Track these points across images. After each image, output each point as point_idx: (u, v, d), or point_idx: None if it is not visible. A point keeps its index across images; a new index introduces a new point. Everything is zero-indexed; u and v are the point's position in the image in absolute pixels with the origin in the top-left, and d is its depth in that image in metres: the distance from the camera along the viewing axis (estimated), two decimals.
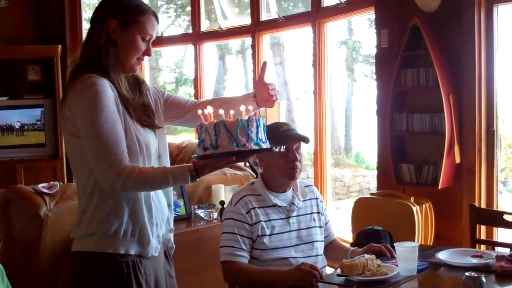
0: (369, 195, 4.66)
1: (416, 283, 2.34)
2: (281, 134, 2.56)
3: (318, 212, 2.74)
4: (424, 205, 4.25)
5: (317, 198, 2.77)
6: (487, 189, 4.25)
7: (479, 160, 4.22)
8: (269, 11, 6.64)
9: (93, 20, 2.14)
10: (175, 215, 3.53)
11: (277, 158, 2.55)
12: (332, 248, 2.81)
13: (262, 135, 2.00)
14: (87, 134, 1.99)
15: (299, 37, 16.75)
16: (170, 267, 2.36)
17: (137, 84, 2.25)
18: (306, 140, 2.65)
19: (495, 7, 4.17)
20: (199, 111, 2.02)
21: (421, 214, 4.19)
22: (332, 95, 8.11)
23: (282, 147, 2.07)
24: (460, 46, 4.23)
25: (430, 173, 4.37)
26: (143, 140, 2.11)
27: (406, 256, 2.39)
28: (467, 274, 1.93)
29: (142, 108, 2.21)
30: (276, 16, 6.22)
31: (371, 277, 2.30)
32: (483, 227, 3.96)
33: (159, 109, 2.31)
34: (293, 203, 2.65)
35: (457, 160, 4.23)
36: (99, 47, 2.07)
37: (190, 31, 7.29)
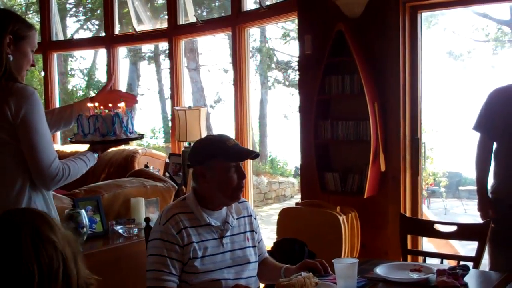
0: (294, 205, 4.52)
1: None
2: (231, 149, 2.32)
3: (252, 231, 2.51)
4: (350, 215, 4.17)
5: (251, 215, 2.53)
6: (412, 197, 4.24)
7: (403, 168, 4.20)
8: (186, 15, 6.43)
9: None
10: (91, 232, 3.25)
11: (223, 175, 2.31)
12: (264, 267, 2.60)
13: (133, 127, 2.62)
14: (32, 137, 2.24)
15: (215, 43, 16.64)
16: None
17: None
18: (257, 156, 2.47)
19: (419, 14, 4.17)
20: (90, 104, 2.61)
21: (347, 224, 4.11)
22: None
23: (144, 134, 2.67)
24: (385, 53, 4.19)
25: (355, 182, 4.30)
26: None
27: (345, 273, 2.25)
28: None
29: None
30: (194, 20, 6.02)
31: None
32: (408, 237, 3.93)
33: None
34: (227, 222, 2.40)
35: (382, 168, 4.19)
36: (2, 60, 2.27)
37: (100, 34, 6.94)
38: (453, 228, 3.11)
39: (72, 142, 2.70)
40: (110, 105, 2.60)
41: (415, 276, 2.38)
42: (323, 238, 3.92)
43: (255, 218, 2.56)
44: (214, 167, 2.30)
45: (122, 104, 2.62)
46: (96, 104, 2.59)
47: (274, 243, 3.40)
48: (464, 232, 3.10)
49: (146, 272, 2.27)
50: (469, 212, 10.28)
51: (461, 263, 2.61)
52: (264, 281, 2.61)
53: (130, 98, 2.85)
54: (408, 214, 4.12)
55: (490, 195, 3.45)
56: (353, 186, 4.31)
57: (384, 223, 4.20)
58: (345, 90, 4.28)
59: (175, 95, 6.25)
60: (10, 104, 2.21)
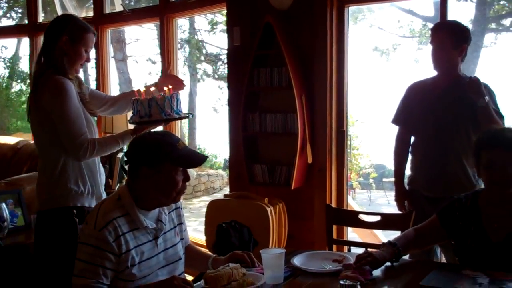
0: (222, 197, 4.52)
1: None
2: (182, 152, 2.25)
3: (180, 223, 2.47)
4: (277, 206, 4.21)
5: (179, 207, 2.49)
6: (338, 188, 4.32)
7: (330, 160, 4.27)
8: (113, 4, 6.29)
9: (48, 35, 2.94)
10: (12, 226, 3.13)
11: (170, 179, 2.23)
12: (190, 255, 2.54)
13: (181, 107, 2.95)
14: (62, 120, 2.80)
15: (142, 33, 16.34)
16: None
17: (79, 83, 3.01)
18: (205, 160, 2.42)
19: (346, 8, 4.24)
20: (135, 89, 3.08)
21: (275, 215, 4.14)
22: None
23: (194, 114, 3.27)
24: (313, 46, 4.24)
25: (283, 174, 4.34)
26: (92, 123, 2.98)
27: (272, 263, 2.27)
28: (341, 282, 1.84)
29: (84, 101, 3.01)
30: (121, 9, 5.89)
31: None
32: (334, 227, 4.00)
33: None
34: (160, 220, 2.32)
35: (309, 160, 4.24)
36: (57, 56, 2.87)
37: (24, 22, 6.69)
38: (377, 218, 3.20)
39: (129, 123, 3.07)
40: (165, 88, 2.97)
41: (327, 267, 2.42)
42: (251, 229, 3.93)
43: (181, 209, 2.52)
44: (162, 170, 2.21)
45: (166, 88, 2.98)
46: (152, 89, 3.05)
47: (219, 225, 3.38)
48: (387, 222, 3.19)
49: (72, 276, 2.13)
50: (392, 203, 10.60)
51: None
52: (189, 268, 2.58)
53: (179, 82, 3.27)
54: (333, 205, 4.20)
55: (407, 187, 3.55)
56: (281, 178, 4.35)
57: (311, 214, 4.26)
58: (274, 82, 4.30)
59: (101, 86, 6.10)
60: (45, 95, 2.80)
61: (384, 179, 11.63)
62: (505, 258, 2.39)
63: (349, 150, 4.38)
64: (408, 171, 3.64)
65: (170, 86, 2.96)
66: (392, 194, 10.71)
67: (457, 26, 3.34)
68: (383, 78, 13.44)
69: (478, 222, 2.48)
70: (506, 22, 12.01)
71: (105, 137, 3.01)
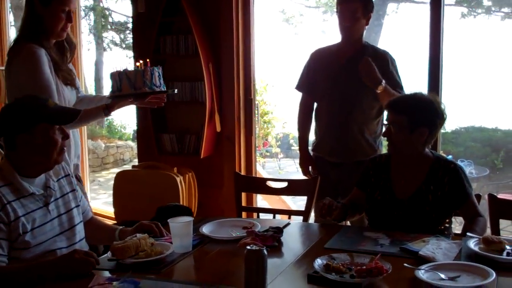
0: (130, 168, 4.45)
1: (192, 260, 2.24)
2: (54, 110, 2.20)
3: (73, 190, 2.41)
4: (187, 175, 4.20)
5: (69, 174, 2.43)
6: (246, 156, 4.35)
7: (238, 129, 4.29)
8: None
9: (25, 4, 2.78)
10: None
11: (47, 139, 2.17)
12: (93, 228, 2.51)
13: (157, 81, 2.80)
14: (31, 89, 2.59)
15: None
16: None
17: (70, 48, 2.92)
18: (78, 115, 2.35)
19: None
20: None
21: (185, 184, 4.14)
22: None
23: (175, 90, 3.18)
24: (218, 13, 4.21)
25: (192, 143, 4.33)
26: (65, 96, 2.81)
27: (181, 232, 2.27)
28: (248, 247, 1.86)
29: (68, 69, 2.90)
30: None
31: (146, 258, 2.13)
32: (243, 195, 4.05)
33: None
34: (49, 187, 2.26)
35: (218, 129, 4.25)
36: (31, 22, 2.74)
37: None
38: (284, 185, 3.25)
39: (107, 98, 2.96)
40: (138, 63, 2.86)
41: (235, 234, 2.45)
42: (161, 199, 3.91)
43: (73, 177, 2.46)
44: (37, 132, 2.15)
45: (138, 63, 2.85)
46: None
47: (158, 208, 3.34)
48: (294, 188, 3.25)
49: None
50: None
51: (292, 219, 2.73)
52: (95, 242, 2.54)
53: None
54: (243, 173, 4.24)
55: (311, 152, 3.63)
56: (190, 147, 4.33)
57: (220, 182, 4.28)
58: (180, 51, 4.26)
59: None
60: (14, 63, 2.73)
61: (292, 147, 11.80)
62: (407, 216, 2.52)
63: (257, 119, 4.41)
64: (312, 137, 3.69)
65: (142, 61, 2.85)
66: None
67: None
68: (292, 46, 13.56)
69: (387, 177, 2.62)
70: None
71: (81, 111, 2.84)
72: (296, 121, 3.64)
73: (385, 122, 2.64)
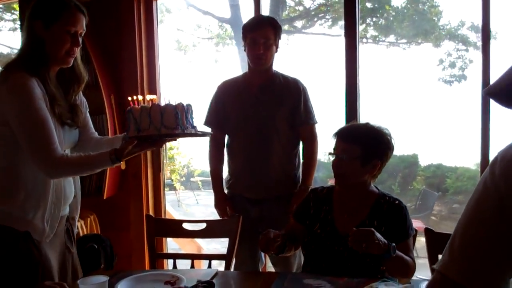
0: None
1: None
2: None
3: None
4: (88, 219, 3.80)
5: None
6: (155, 195, 4.03)
7: (145, 165, 3.96)
8: None
9: (25, 22, 2.27)
10: None
11: None
12: None
13: (189, 122, 2.22)
14: (22, 129, 2.15)
15: None
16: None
17: (76, 81, 2.40)
18: None
19: (155, 2, 3.95)
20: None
21: (86, 229, 3.74)
22: None
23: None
24: (120, 42, 3.90)
25: (93, 182, 3.93)
26: (60, 138, 2.27)
27: None
28: None
29: (69, 107, 2.35)
30: None
31: None
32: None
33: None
34: None
35: (123, 166, 3.89)
36: (30, 48, 2.24)
37: None
38: (203, 226, 2.98)
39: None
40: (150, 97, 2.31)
41: None
42: None
43: None
44: None
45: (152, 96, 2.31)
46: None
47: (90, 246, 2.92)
48: (214, 229, 2.98)
49: None
50: (201, 202, 10.58)
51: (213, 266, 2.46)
52: None
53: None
54: (151, 212, 3.92)
55: (226, 190, 3.38)
56: (91, 187, 3.94)
57: (127, 225, 3.92)
58: None
59: None
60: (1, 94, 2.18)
61: (191, 179, 11.53)
62: (348, 252, 2.32)
63: (165, 153, 4.10)
64: (225, 174, 3.45)
65: (154, 97, 2.30)
66: (200, 193, 10.69)
67: (276, 21, 3.23)
68: (188, 76, 13.36)
69: (328, 210, 2.46)
70: (298, 24, 12.58)
71: (79, 157, 2.27)
72: (208, 159, 3.40)
73: (330, 151, 2.46)
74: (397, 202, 2.42)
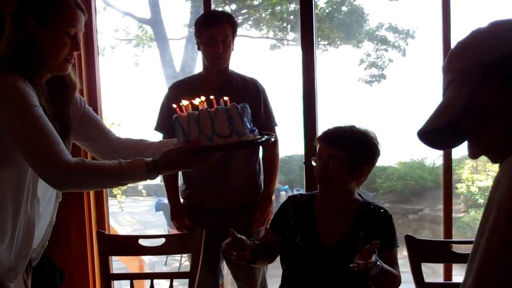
0: None
1: None
2: None
3: None
4: None
5: None
6: (97, 206, 3.68)
7: None
8: None
9: (11, 17, 1.87)
10: None
11: None
12: None
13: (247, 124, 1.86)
14: (20, 132, 1.75)
15: None
16: None
17: (65, 90, 2.02)
18: None
19: None
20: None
21: None
22: None
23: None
24: None
25: None
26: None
27: None
28: None
29: (56, 119, 1.90)
30: None
31: None
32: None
33: (75, 122, 2.09)
34: None
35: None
36: (19, 47, 1.84)
37: None
38: (161, 242, 2.72)
39: None
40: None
41: None
42: None
43: None
44: None
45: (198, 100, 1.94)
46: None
47: None
48: (174, 245, 2.75)
49: None
50: (127, 209, 10.20)
51: None
52: None
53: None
54: (94, 225, 3.57)
55: (182, 200, 3.13)
56: None
57: (66, 242, 3.55)
58: None
59: None
60: None
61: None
62: (333, 266, 2.18)
63: None
64: (180, 182, 3.19)
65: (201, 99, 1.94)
66: (124, 201, 10.23)
67: (233, 17, 3.01)
68: (108, 80, 12.89)
69: (310, 220, 2.29)
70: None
71: (103, 162, 1.88)
72: None
73: (314, 157, 2.28)
74: (382, 210, 2.29)
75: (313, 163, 2.28)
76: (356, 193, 2.33)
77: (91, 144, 2.22)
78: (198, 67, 11.44)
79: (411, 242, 2.46)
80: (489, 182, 7.50)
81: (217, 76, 3.02)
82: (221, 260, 3.10)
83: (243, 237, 2.17)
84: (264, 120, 3.04)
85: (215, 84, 3.00)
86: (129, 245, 2.77)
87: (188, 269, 2.66)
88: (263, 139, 1.91)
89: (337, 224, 2.25)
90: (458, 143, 1.25)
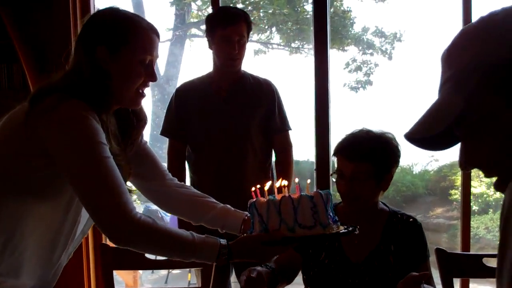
0: None
1: None
2: None
3: None
4: None
5: None
6: None
7: None
8: None
9: (79, 44, 1.66)
10: None
11: None
12: None
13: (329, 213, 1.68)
14: (83, 173, 1.53)
15: None
16: None
17: (137, 124, 1.80)
18: None
19: None
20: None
21: None
22: None
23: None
24: (52, 37, 3.36)
25: None
26: None
27: None
28: None
29: (119, 158, 1.65)
30: None
31: None
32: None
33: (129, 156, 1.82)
34: None
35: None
36: (89, 76, 1.61)
37: None
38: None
39: None
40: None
41: None
42: None
43: None
44: None
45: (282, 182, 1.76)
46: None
47: None
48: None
49: None
50: None
51: None
52: None
53: None
54: (90, 236, 3.40)
55: None
56: None
57: None
58: (2, 82, 3.41)
59: None
60: (47, 124, 1.54)
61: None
62: (365, 280, 2.02)
63: None
64: None
65: (284, 183, 1.77)
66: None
67: (248, 15, 2.86)
68: None
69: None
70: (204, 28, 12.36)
71: (173, 229, 1.67)
72: None
73: (333, 173, 2.10)
74: (411, 220, 2.11)
75: (333, 180, 2.11)
76: (380, 202, 2.16)
77: (142, 183, 1.96)
78: (182, 71, 11.35)
79: (442, 256, 2.30)
80: (483, 189, 7.42)
81: (229, 78, 2.89)
82: (231, 272, 2.95)
83: (261, 271, 1.91)
84: (279, 124, 2.90)
85: (226, 85, 2.87)
86: (135, 258, 2.57)
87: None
88: (348, 230, 1.71)
89: (364, 238, 2.06)
90: (449, 146, 1.08)
